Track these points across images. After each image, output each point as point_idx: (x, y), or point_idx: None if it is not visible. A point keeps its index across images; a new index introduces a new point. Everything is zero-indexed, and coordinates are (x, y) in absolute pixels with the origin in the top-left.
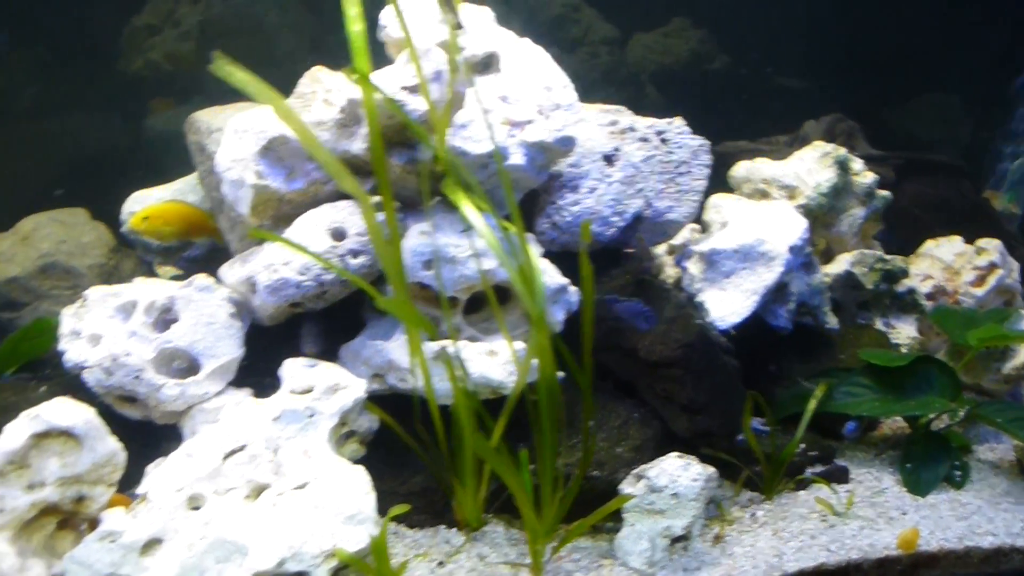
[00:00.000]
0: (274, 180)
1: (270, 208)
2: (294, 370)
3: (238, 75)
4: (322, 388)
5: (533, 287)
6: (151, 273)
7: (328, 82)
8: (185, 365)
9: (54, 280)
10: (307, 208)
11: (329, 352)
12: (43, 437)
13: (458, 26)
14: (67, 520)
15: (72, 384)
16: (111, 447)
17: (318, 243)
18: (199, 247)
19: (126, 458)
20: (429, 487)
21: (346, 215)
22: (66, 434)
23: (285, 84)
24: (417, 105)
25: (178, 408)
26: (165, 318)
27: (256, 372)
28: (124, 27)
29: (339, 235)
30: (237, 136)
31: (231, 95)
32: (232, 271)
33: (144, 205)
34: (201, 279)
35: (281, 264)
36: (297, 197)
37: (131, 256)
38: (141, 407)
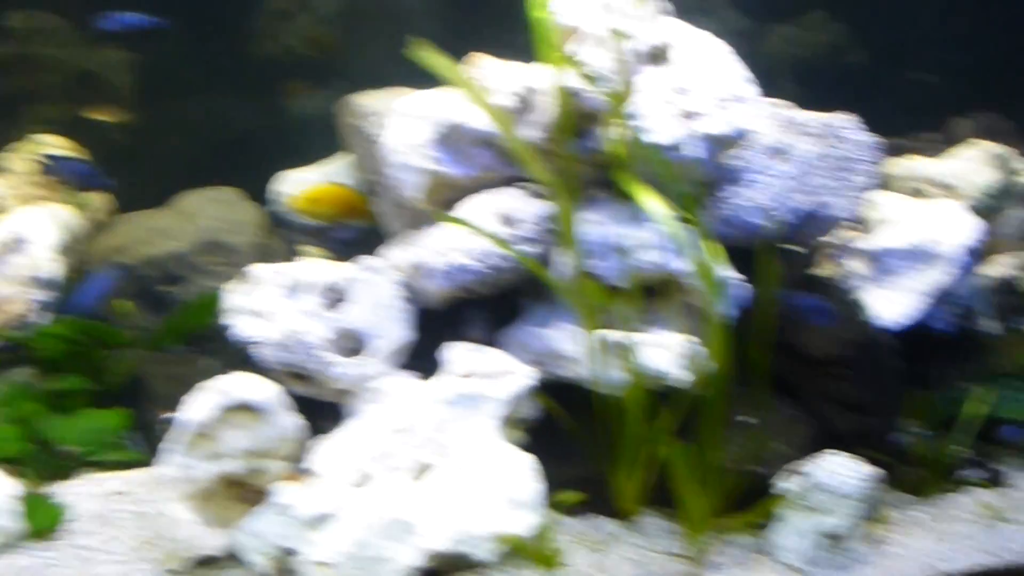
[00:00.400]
0: (445, 165)
1: (440, 193)
2: (460, 355)
3: (434, 60)
4: (491, 373)
5: (712, 280)
6: (297, 253)
7: (491, 69)
8: (354, 345)
9: (214, 256)
10: (470, 194)
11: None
12: (229, 410)
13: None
14: (239, 491)
15: (237, 358)
16: (292, 423)
17: (492, 230)
18: (348, 229)
19: (303, 434)
20: (586, 475)
21: (515, 202)
22: (250, 408)
23: (424, 68)
24: (597, 95)
25: (348, 387)
26: (337, 298)
27: (416, 355)
28: (258, 11)
29: (508, 222)
30: (408, 120)
31: (375, 80)
32: (399, 254)
33: (294, 186)
34: (373, 261)
35: (454, 249)
36: (465, 183)
37: (281, 236)
38: (311, 384)
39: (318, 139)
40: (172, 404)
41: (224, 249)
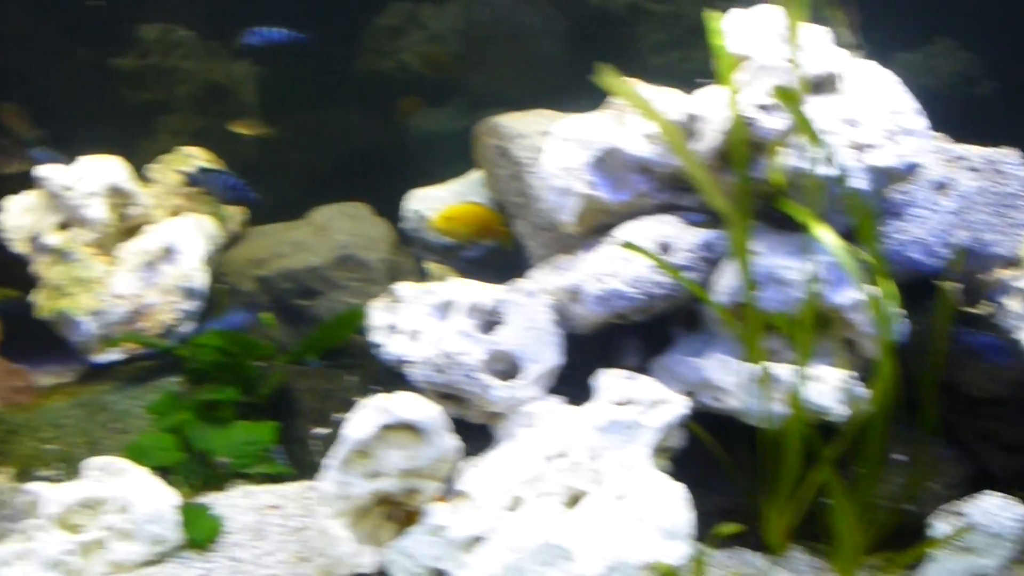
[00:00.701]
0: (602, 190)
1: (592, 218)
2: (614, 382)
3: (624, 89)
4: (645, 402)
5: (882, 315)
6: (424, 271)
7: (646, 95)
8: (505, 368)
9: (349, 271)
10: (624, 220)
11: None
12: (389, 429)
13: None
14: (389, 510)
15: (379, 374)
16: (450, 444)
17: (662, 258)
18: (477, 249)
19: (460, 456)
20: (731, 507)
21: (671, 229)
22: (410, 428)
23: (546, 90)
24: (770, 124)
25: (501, 410)
26: (489, 320)
27: (564, 380)
28: (369, 27)
29: (665, 249)
30: (565, 144)
31: (497, 100)
32: (548, 278)
33: (426, 203)
34: (526, 284)
35: (610, 275)
36: (619, 208)
37: (407, 253)
38: (461, 405)
39: (439, 156)
40: (321, 419)
41: (358, 264)
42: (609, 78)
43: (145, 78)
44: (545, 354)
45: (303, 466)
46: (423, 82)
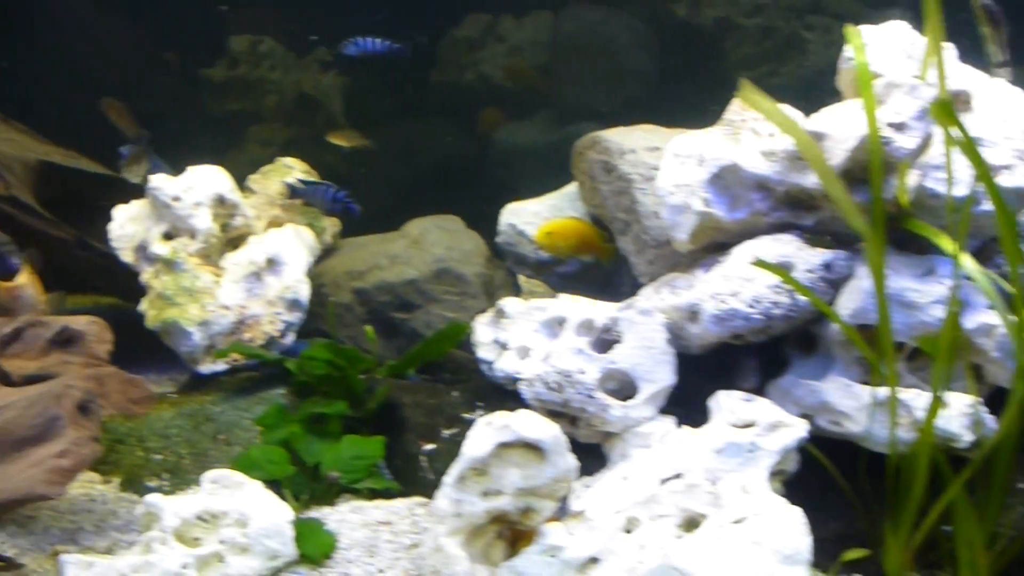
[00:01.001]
0: (719, 208)
1: (706, 236)
2: (731, 403)
3: (763, 104)
4: (764, 424)
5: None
6: (518, 286)
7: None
8: (619, 387)
9: (446, 285)
10: (738, 238)
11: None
12: (506, 447)
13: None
14: (501, 529)
15: (483, 390)
16: (570, 463)
17: (764, 276)
18: (573, 264)
19: (576, 475)
20: (846, 533)
21: (791, 249)
22: (529, 446)
23: (635, 103)
24: (904, 143)
25: (616, 430)
26: (602, 338)
27: (674, 400)
28: (448, 39)
29: (786, 269)
30: (680, 161)
31: (586, 114)
32: (661, 296)
33: (520, 217)
34: (641, 302)
35: (729, 295)
36: (735, 227)
37: (501, 267)
38: (572, 424)
39: (526, 169)
40: (429, 434)
41: (455, 278)
42: (753, 98)
43: (234, 89)
44: (660, 374)
45: (410, 482)
46: (506, 95)
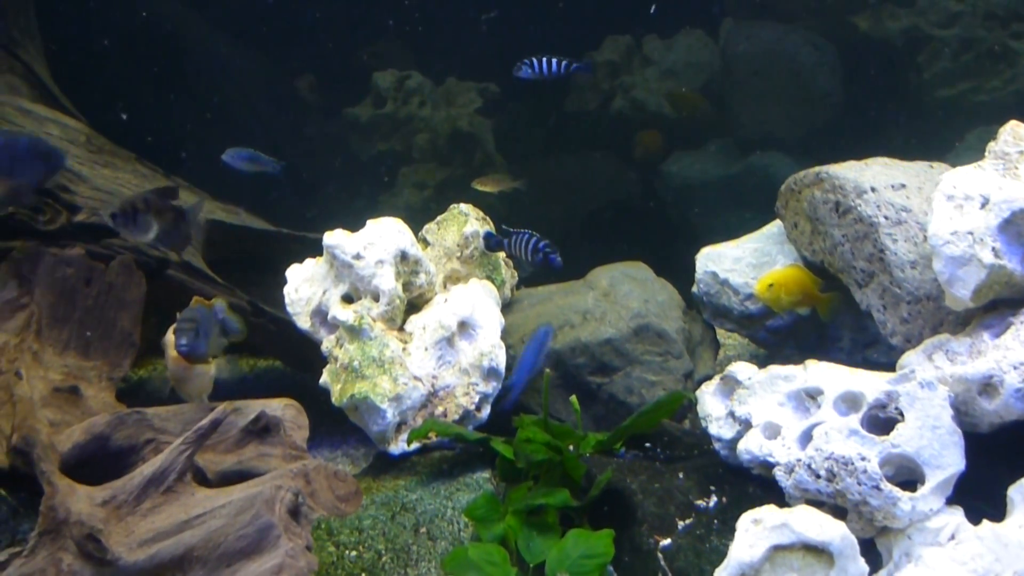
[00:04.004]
0: (1012, 260)
1: (993, 292)
2: None
3: None
4: None
5: None
6: (717, 341)
7: None
8: (892, 473)
9: (647, 344)
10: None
11: None
12: (783, 550)
13: None
14: None
15: (709, 471)
16: (861, 570)
17: None
18: (782, 318)
19: None
20: None
21: None
22: (811, 549)
23: (824, 130)
24: None
25: (901, 525)
26: (870, 414)
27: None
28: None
29: None
30: (956, 204)
31: (761, 143)
32: (936, 365)
33: (720, 264)
34: (922, 373)
35: None
36: None
37: (697, 320)
38: (837, 516)
39: (703, 204)
40: (662, 527)
41: (656, 336)
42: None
43: (381, 127)
44: (948, 458)
45: None
46: (665, 122)
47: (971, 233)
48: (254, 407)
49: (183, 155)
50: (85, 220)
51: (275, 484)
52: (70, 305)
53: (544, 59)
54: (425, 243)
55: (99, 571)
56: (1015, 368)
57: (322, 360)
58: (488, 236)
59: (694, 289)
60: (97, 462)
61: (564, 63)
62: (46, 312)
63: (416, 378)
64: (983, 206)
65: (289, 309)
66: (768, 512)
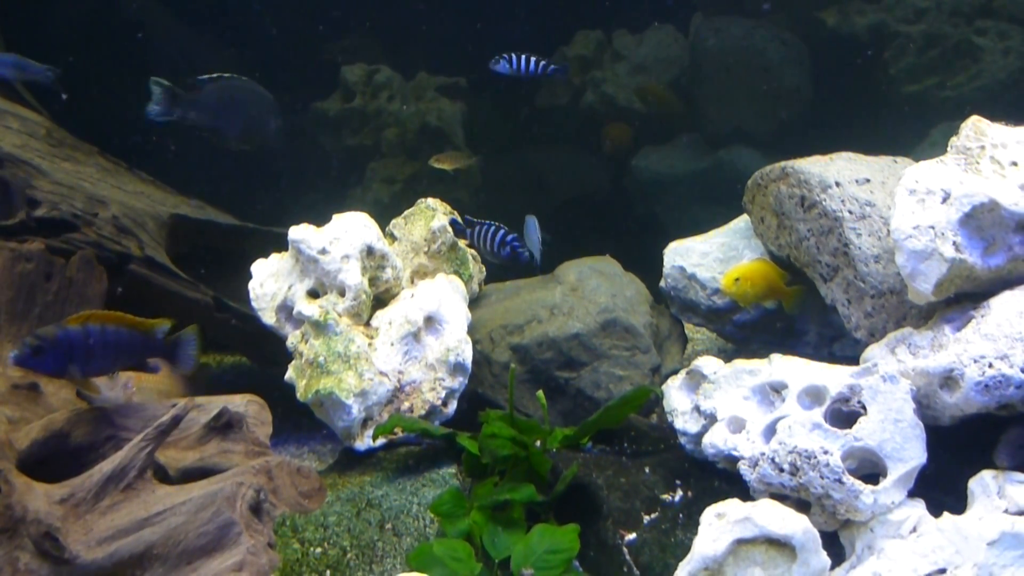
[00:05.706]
0: (971, 254)
1: (954, 286)
2: (996, 486)
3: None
4: None
5: None
6: (685, 336)
7: (999, 137)
8: (854, 466)
9: (614, 338)
10: (990, 288)
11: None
12: (746, 544)
13: None
14: None
15: (674, 465)
16: (824, 563)
17: None
18: (749, 312)
19: None
20: None
21: None
22: (774, 543)
23: (792, 126)
24: None
25: (863, 518)
26: (833, 407)
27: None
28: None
29: None
30: (918, 198)
31: (730, 138)
32: (899, 358)
33: (687, 259)
34: (884, 366)
35: (999, 358)
36: (988, 275)
37: (664, 314)
38: (800, 510)
39: (671, 200)
40: (628, 521)
41: (623, 330)
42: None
43: (350, 122)
44: (910, 451)
45: None
46: (635, 117)
47: (933, 227)
48: (216, 403)
49: (139, 142)
50: (45, 215)
51: (236, 481)
52: (30, 301)
53: (523, 57)
54: (392, 238)
55: (57, 570)
56: (975, 361)
57: (288, 356)
58: (454, 223)
59: (662, 284)
60: (56, 459)
61: (542, 64)
62: (5, 308)
63: (382, 373)
64: (944, 200)
65: (254, 304)
66: (731, 506)
